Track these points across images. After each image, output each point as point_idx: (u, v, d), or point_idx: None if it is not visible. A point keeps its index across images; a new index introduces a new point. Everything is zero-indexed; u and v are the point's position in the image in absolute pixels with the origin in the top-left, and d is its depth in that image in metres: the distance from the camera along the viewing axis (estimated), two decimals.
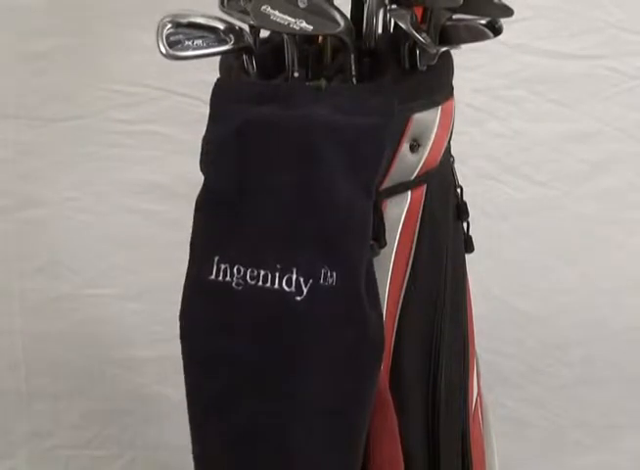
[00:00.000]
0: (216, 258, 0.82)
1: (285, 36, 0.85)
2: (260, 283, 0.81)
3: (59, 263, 1.69)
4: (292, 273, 0.80)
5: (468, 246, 0.99)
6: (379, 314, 0.85)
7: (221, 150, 0.83)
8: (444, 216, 0.94)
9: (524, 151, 1.75)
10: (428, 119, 0.86)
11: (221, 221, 0.83)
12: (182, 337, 0.86)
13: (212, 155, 0.84)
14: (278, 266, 0.80)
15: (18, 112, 1.59)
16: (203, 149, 0.84)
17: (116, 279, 1.70)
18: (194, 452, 0.89)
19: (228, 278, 0.81)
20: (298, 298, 0.80)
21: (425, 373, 0.95)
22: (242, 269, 0.81)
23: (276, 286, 0.80)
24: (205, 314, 0.84)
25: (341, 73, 0.88)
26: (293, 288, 0.80)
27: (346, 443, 0.86)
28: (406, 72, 0.87)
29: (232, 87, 0.85)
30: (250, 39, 0.87)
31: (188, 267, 0.85)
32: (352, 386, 0.84)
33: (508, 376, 1.70)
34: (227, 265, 0.81)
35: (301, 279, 0.80)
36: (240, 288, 0.81)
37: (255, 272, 0.81)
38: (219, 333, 0.83)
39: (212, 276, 0.82)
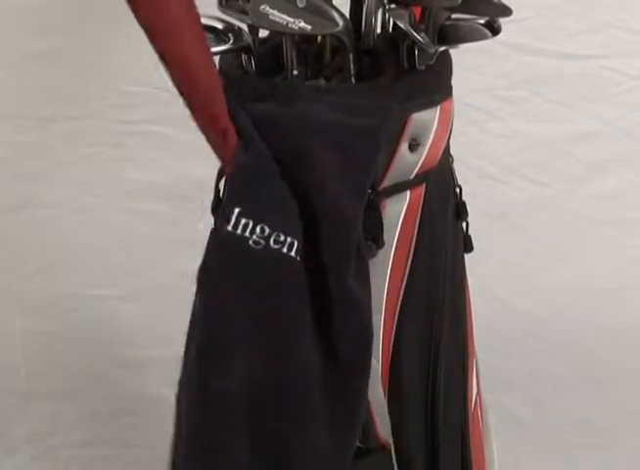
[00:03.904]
0: (237, 210, 0.79)
1: (283, 36, 0.85)
2: (285, 249, 0.80)
3: (59, 263, 1.69)
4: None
5: (467, 245, 0.99)
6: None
7: None
8: (443, 216, 0.94)
9: (523, 151, 1.75)
10: (427, 119, 0.86)
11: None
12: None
13: None
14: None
15: (18, 112, 1.59)
16: None
17: (116, 279, 1.70)
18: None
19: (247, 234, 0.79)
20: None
21: (424, 372, 0.95)
22: (266, 230, 0.80)
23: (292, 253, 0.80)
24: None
25: (339, 73, 0.88)
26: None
27: None
28: (405, 72, 0.87)
29: (231, 85, 0.85)
30: (249, 39, 0.87)
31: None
32: None
33: (508, 376, 1.70)
34: (249, 221, 0.79)
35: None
36: (259, 247, 0.80)
37: (282, 237, 0.80)
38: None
39: (230, 228, 0.79)
